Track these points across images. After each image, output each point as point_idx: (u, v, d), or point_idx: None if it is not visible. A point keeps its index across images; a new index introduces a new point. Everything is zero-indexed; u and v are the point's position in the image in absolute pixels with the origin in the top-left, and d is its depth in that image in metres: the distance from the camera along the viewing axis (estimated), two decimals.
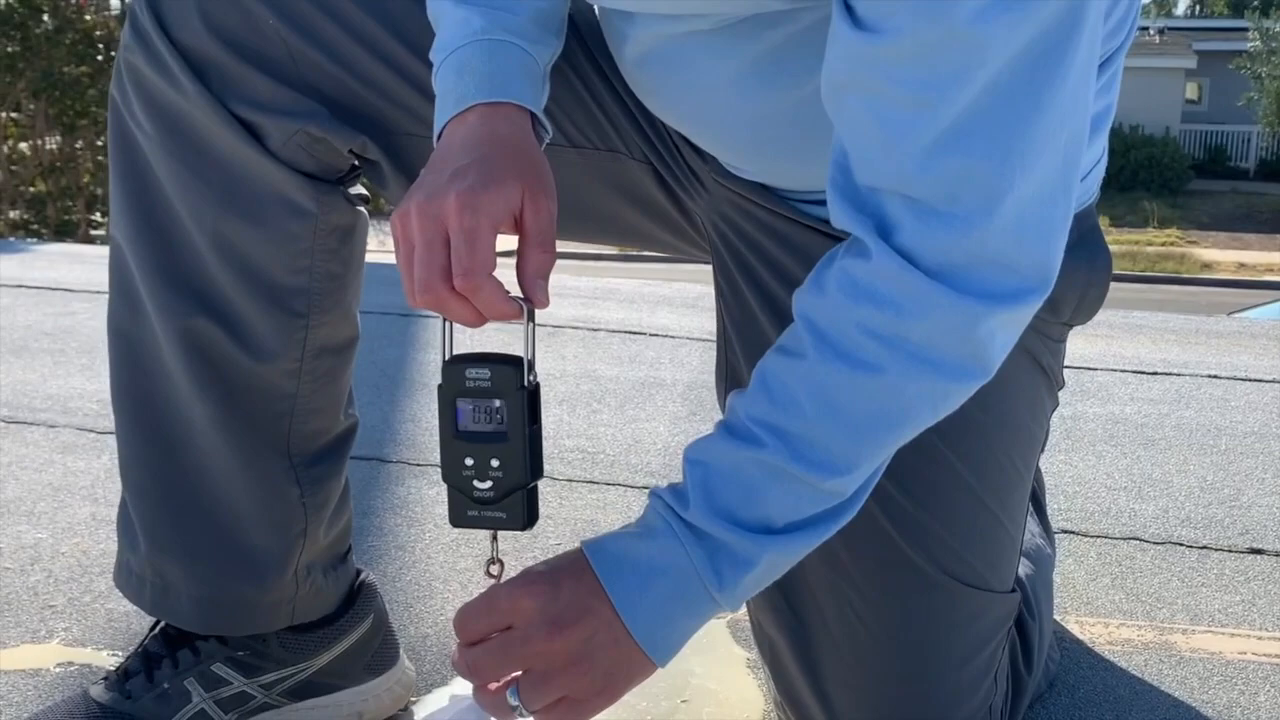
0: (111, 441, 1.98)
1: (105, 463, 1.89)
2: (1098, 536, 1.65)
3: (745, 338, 1.04)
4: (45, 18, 11.00)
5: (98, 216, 8.60)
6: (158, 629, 1.10)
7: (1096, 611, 1.42)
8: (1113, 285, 1.08)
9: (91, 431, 2.05)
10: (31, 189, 9.77)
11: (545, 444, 0.86)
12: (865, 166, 0.76)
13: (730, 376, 1.08)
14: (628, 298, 3.29)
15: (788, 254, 0.99)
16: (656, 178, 1.08)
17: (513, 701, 0.81)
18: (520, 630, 0.80)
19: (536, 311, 0.81)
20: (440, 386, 0.85)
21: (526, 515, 0.86)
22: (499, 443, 0.84)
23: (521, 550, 1.56)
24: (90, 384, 2.36)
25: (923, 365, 0.76)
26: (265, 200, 1.00)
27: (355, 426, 1.12)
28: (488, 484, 0.84)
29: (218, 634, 1.07)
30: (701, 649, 1.30)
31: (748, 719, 1.17)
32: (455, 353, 0.85)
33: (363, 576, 1.16)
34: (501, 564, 0.88)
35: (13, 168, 9.91)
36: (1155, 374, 2.62)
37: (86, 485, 1.79)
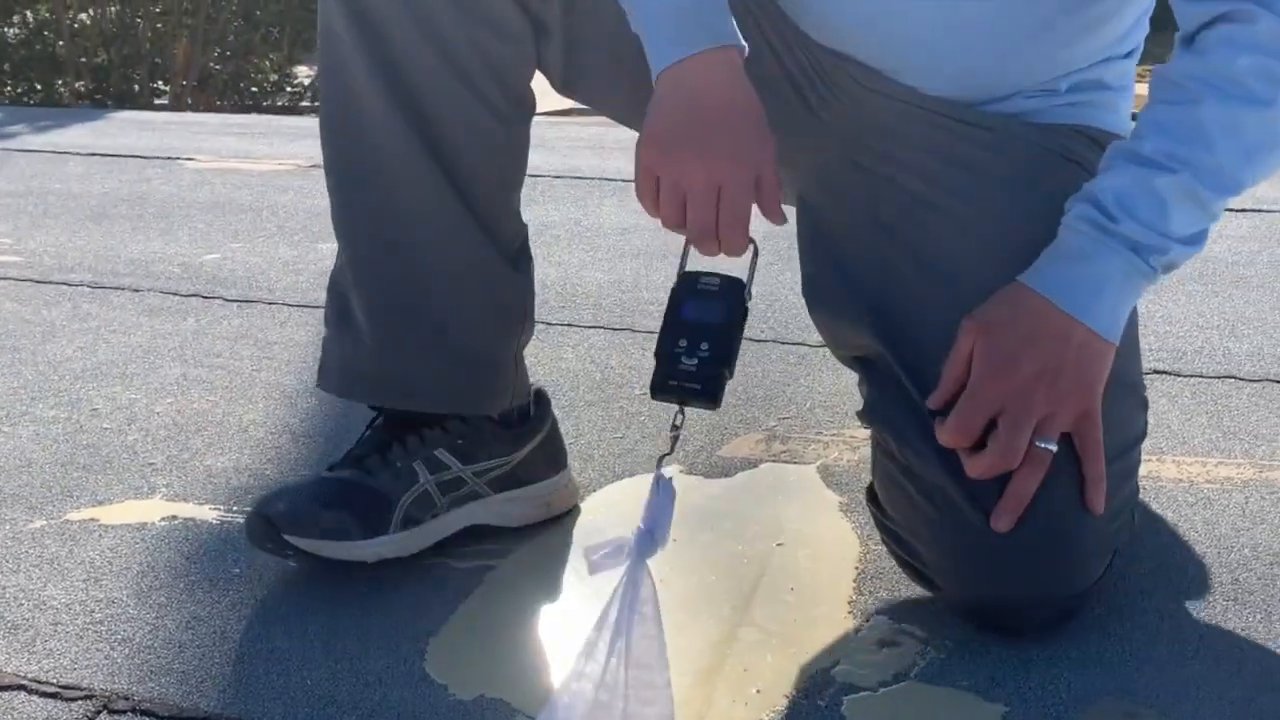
0: (196, 305, 2.01)
1: (192, 324, 1.92)
2: (1191, 376, 1.62)
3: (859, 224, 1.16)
4: None
5: (160, 84, 8.62)
6: (377, 421, 1.22)
7: (1193, 451, 1.39)
8: None
9: (175, 295, 2.07)
10: (96, 60, 9.77)
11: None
12: None
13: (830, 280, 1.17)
14: None
15: (920, 133, 1.14)
16: (803, 104, 1.20)
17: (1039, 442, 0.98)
18: (998, 366, 0.98)
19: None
20: (674, 288, 1.04)
21: (716, 393, 1.01)
22: (711, 331, 1.02)
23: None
24: (170, 248, 2.38)
25: None
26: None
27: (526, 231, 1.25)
28: (694, 361, 1.01)
29: (460, 412, 1.20)
30: (794, 495, 1.30)
31: (843, 558, 1.18)
32: (690, 269, 1.06)
33: (535, 383, 1.29)
34: (679, 430, 1.02)
35: (75, 39, 9.89)
36: (1243, 210, 2.54)
37: (175, 347, 1.82)
